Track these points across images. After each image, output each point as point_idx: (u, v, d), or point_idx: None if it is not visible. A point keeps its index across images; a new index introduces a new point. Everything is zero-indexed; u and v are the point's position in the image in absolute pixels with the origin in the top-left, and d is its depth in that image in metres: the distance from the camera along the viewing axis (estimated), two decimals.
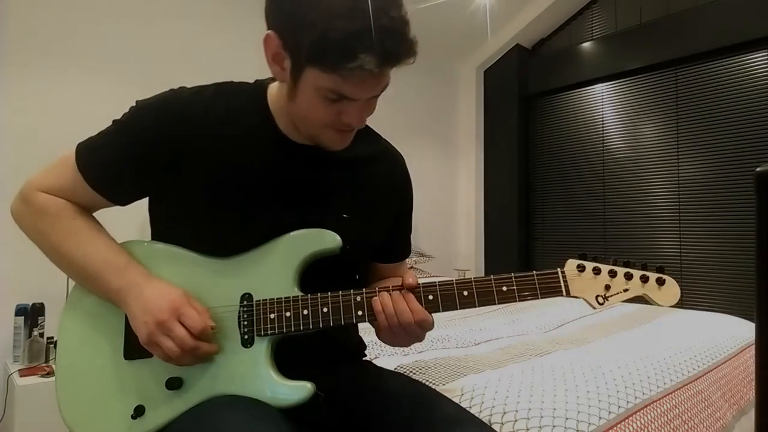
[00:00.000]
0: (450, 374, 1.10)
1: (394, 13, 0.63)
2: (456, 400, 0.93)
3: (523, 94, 3.82)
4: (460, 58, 4.02)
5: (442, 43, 3.75)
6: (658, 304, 0.73)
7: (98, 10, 2.22)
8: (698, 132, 2.98)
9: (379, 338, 0.79)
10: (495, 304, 0.73)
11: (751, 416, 1.29)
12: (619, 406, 0.98)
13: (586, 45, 3.51)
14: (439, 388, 0.97)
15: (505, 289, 0.73)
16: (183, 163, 0.75)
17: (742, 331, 1.64)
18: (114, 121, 0.79)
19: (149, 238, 0.84)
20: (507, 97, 3.84)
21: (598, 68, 3.42)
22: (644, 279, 0.73)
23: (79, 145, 0.79)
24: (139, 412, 0.72)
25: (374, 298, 0.73)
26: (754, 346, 0.51)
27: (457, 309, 0.73)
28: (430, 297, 0.73)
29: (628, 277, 0.73)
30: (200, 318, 0.70)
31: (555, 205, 3.69)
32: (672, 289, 0.73)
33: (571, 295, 0.73)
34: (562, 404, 0.94)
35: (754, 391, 0.51)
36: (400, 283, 0.74)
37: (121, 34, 2.29)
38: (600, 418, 0.93)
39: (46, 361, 1.83)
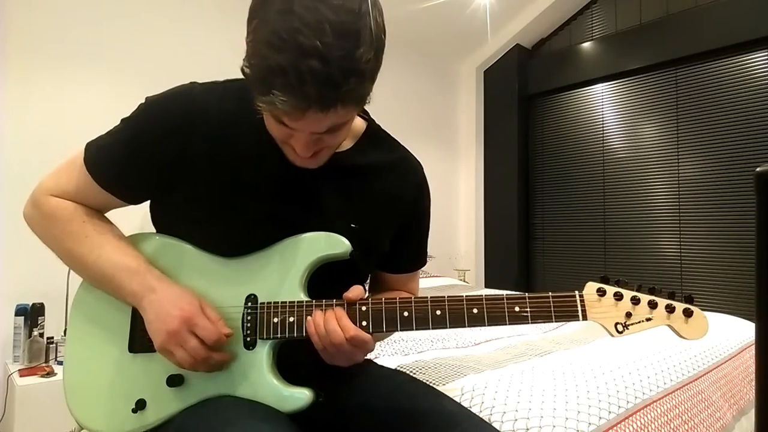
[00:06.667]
0: (450, 374, 1.10)
1: (337, 54, 0.55)
2: (456, 399, 0.93)
3: (523, 94, 3.82)
4: (460, 58, 4.02)
5: (442, 43, 3.76)
6: (684, 338, 0.66)
7: (100, 10, 2.22)
8: (698, 132, 2.98)
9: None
10: (505, 324, 0.68)
11: (751, 416, 1.29)
12: (619, 406, 0.98)
13: (586, 45, 3.51)
14: (440, 388, 0.97)
15: (517, 309, 0.68)
16: (191, 161, 0.73)
17: (742, 331, 1.64)
18: (122, 119, 0.77)
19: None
20: (507, 97, 3.84)
21: (598, 68, 3.42)
22: (670, 309, 0.66)
23: (88, 144, 0.78)
24: (140, 406, 0.72)
25: (308, 317, 0.70)
26: (754, 346, 0.51)
27: (465, 326, 0.69)
28: (438, 312, 0.70)
29: (653, 305, 0.67)
30: (214, 328, 0.69)
31: (555, 205, 3.69)
32: (700, 322, 0.66)
33: (589, 320, 0.67)
34: (562, 404, 0.94)
35: (754, 391, 0.51)
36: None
37: (124, 34, 2.29)
38: (600, 418, 0.93)
39: (46, 361, 1.83)
